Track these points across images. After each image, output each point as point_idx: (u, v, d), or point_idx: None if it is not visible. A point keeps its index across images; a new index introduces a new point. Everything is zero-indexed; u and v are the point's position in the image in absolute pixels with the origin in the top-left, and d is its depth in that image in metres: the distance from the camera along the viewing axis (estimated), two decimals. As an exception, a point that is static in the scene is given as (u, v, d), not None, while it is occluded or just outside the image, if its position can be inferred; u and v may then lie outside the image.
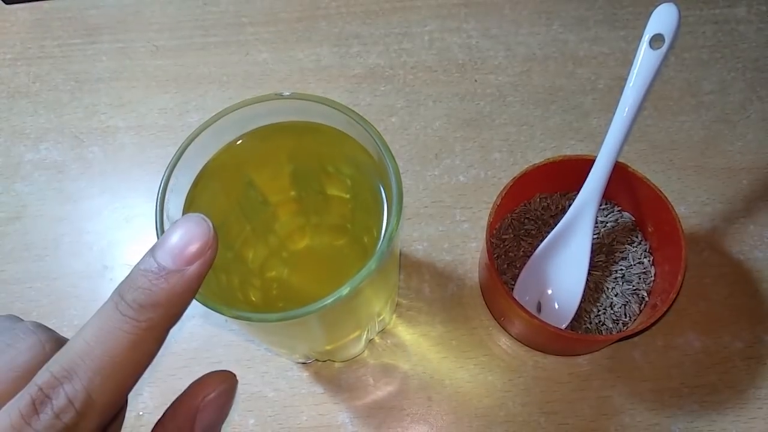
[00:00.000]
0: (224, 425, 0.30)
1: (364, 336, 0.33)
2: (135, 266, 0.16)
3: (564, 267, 0.34)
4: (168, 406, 0.17)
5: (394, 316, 0.37)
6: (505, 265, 0.36)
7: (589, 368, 0.35)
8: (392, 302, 0.35)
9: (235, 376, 0.18)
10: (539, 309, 0.35)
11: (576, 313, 0.34)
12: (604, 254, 0.36)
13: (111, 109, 0.44)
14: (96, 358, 0.15)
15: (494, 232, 0.36)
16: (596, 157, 0.32)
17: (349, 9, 0.47)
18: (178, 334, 0.36)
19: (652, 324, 0.31)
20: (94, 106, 0.44)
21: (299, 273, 0.28)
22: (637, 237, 0.36)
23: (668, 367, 0.35)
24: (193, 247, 0.16)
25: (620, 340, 0.35)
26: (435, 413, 0.34)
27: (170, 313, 0.16)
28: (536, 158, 0.39)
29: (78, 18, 0.48)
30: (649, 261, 0.35)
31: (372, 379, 0.35)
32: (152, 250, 0.16)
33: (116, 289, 0.16)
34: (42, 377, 0.15)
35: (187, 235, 0.16)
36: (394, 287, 0.33)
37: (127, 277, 0.16)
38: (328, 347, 0.31)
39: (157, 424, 0.17)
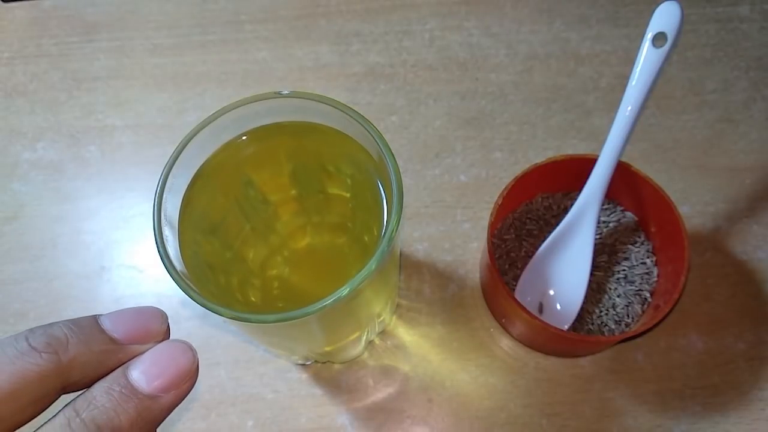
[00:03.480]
0: (223, 427, 0.30)
1: (364, 337, 0.32)
2: (99, 382, 0.14)
3: (566, 267, 0.34)
4: None
5: (395, 317, 0.36)
6: (507, 266, 0.35)
7: (591, 370, 0.35)
8: (392, 303, 0.34)
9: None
10: (541, 310, 0.34)
11: (578, 314, 0.33)
12: (606, 254, 0.35)
13: (108, 107, 0.44)
14: None
15: (495, 232, 0.36)
16: (598, 156, 0.32)
17: (349, 7, 0.47)
18: (175, 334, 0.36)
19: (655, 325, 0.31)
20: (91, 105, 0.44)
21: (300, 272, 0.28)
22: (639, 237, 0.36)
23: (671, 368, 0.35)
24: (175, 374, 0.14)
25: (623, 341, 0.35)
26: (435, 415, 0.34)
27: None
28: (538, 157, 0.39)
29: (75, 16, 0.47)
30: (651, 261, 0.35)
31: (372, 380, 0.35)
32: (126, 368, 0.14)
33: (71, 402, 0.14)
34: None
35: (171, 361, 0.15)
36: (394, 288, 0.33)
37: (88, 390, 0.14)
38: (327, 348, 0.31)
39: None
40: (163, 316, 0.16)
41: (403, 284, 0.37)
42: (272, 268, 0.27)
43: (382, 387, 0.35)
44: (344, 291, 0.21)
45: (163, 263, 0.22)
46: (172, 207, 0.25)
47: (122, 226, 0.40)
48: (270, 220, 0.28)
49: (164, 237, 0.23)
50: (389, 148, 0.24)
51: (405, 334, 0.36)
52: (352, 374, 0.35)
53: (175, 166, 0.24)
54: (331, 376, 0.35)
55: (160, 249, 0.23)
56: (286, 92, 0.25)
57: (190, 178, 0.26)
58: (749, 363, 0.35)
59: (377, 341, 0.36)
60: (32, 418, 0.14)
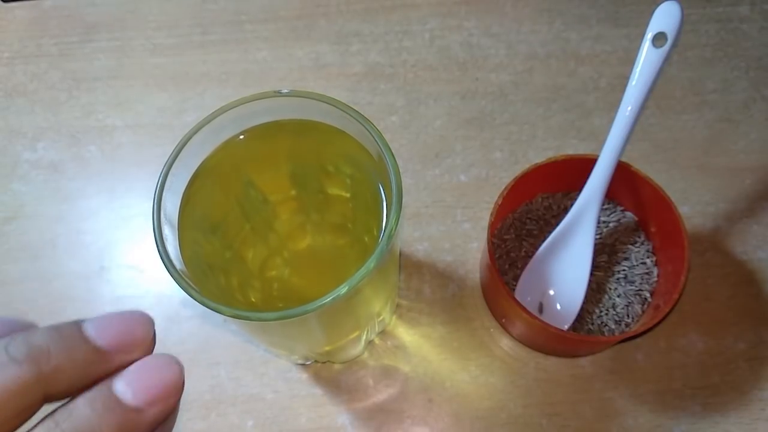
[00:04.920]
0: (223, 427, 0.30)
1: (364, 337, 0.32)
2: (83, 393, 0.14)
3: (566, 267, 0.34)
4: None
5: (394, 317, 0.36)
6: (507, 266, 0.35)
7: (591, 370, 0.35)
8: (392, 303, 0.34)
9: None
10: (541, 310, 0.34)
11: (578, 314, 0.33)
12: (606, 254, 0.35)
13: (108, 107, 0.44)
14: None
15: (495, 232, 0.36)
16: (598, 156, 0.32)
17: (349, 7, 0.47)
18: (175, 334, 0.36)
19: (655, 325, 0.31)
20: (91, 105, 0.44)
21: (300, 272, 0.28)
22: (639, 237, 0.36)
23: (671, 368, 0.35)
24: (161, 388, 0.14)
25: (622, 341, 0.35)
26: (435, 415, 0.34)
27: None
28: (538, 157, 0.39)
29: (75, 16, 0.47)
30: (651, 261, 0.35)
31: (372, 380, 0.35)
32: (111, 380, 0.14)
33: (52, 412, 0.13)
34: None
35: (157, 374, 0.14)
36: (393, 287, 0.33)
37: (70, 401, 0.14)
38: (327, 348, 0.31)
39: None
40: (149, 322, 0.15)
41: (403, 284, 0.37)
42: (272, 268, 0.27)
43: (382, 387, 0.35)
44: (343, 289, 0.21)
45: (163, 263, 0.22)
46: (172, 206, 0.25)
47: (122, 226, 0.40)
48: (269, 220, 0.28)
49: (164, 236, 0.23)
50: (389, 148, 0.24)
51: (405, 334, 0.36)
52: (352, 374, 0.35)
53: (174, 165, 0.24)
54: (331, 376, 0.35)
55: (160, 249, 0.23)
56: (286, 91, 0.25)
57: (189, 178, 0.26)
58: (749, 363, 0.35)
59: (377, 341, 0.36)
60: (15, 431, 0.13)
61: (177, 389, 0.15)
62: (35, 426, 0.13)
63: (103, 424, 0.13)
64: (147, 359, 0.15)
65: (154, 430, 0.14)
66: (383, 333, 0.36)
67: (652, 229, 0.35)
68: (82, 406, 0.13)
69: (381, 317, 0.33)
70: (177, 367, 0.15)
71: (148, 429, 0.14)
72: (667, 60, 0.28)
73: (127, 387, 0.14)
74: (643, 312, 0.34)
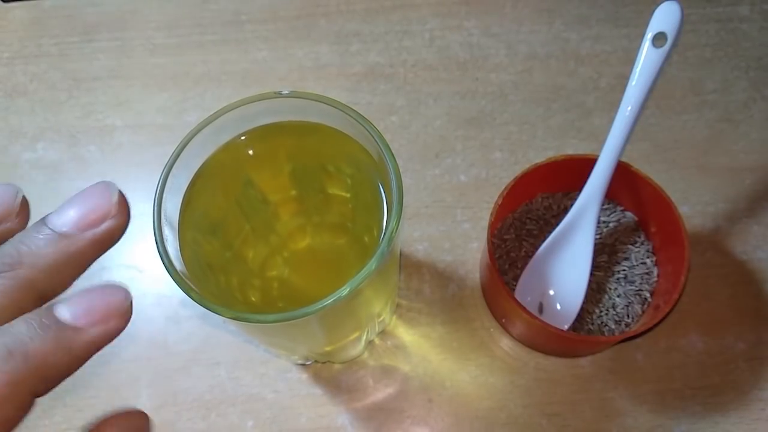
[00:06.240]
0: (223, 427, 0.30)
1: (364, 337, 0.32)
2: (23, 315, 0.14)
3: (566, 267, 0.34)
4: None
5: (395, 317, 0.36)
6: (507, 266, 0.35)
7: (591, 370, 0.35)
8: (392, 303, 0.34)
9: (146, 416, 0.16)
10: (541, 310, 0.34)
11: (578, 314, 0.33)
12: (606, 254, 0.35)
13: (108, 107, 0.44)
14: None
15: (495, 232, 0.36)
16: (598, 156, 0.32)
17: (349, 7, 0.47)
18: (175, 334, 0.36)
19: (655, 325, 0.31)
20: (91, 105, 0.44)
21: (300, 272, 0.28)
22: (639, 237, 0.36)
23: (671, 368, 0.35)
24: (103, 309, 0.14)
25: (622, 341, 0.35)
26: (435, 415, 0.34)
27: (43, 373, 0.13)
28: (538, 157, 0.39)
29: (75, 16, 0.47)
30: (651, 261, 0.35)
31: (372, 380, 0.35)
32: (52, 302, 0.14)
33: None
34: None
35: (100, 296, 0.15)
36: (394, 288, 0.33)
37: (8, 323, 0.14)
38: (327, 348, 0.31)
39: None
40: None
41: (403, 284, 0.37)
42: (272, 268, 0.27)
43: (382, 387, 0.35)
44: (344, 291, 0.21)
45: (163, 263, 0.22)
46: (172, 207, 0.25)
47: (122, 226, 0.40)
48: (270, 220, 0.28)
49: (164, 237, 0.23)
50: (389, 148, 0.24)
51: (405, 334, 0.36)
52: (352, 374, 0.35)
53: (175, 166, 0.24)
54: (331, 376, 0.35)
55: (160, 249, 0.23)
56: (286, 92, 0.25)
57: (190, 178, 0.26)
58: (749, 363, 0.35)
59: (377, 341, 0.36)
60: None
61: (120, 313, 0.15)
62: None
63: (37, 338, 0.13)
64: (92, 286, 0.15)
65: (94, 352, 0.14)
66: (383, 333, 0.36)
67: (652, 229, 0.35)
68: (18, 323, 0.13)
69: (381, 317, 0.33)
70: (122, 292, 0.15)
71: (86, 348, 0.14)
72: (667, 60, 0.28)
73: (66, 307, 0.14)
74: (643, 312, 0.34)
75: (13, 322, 0.13)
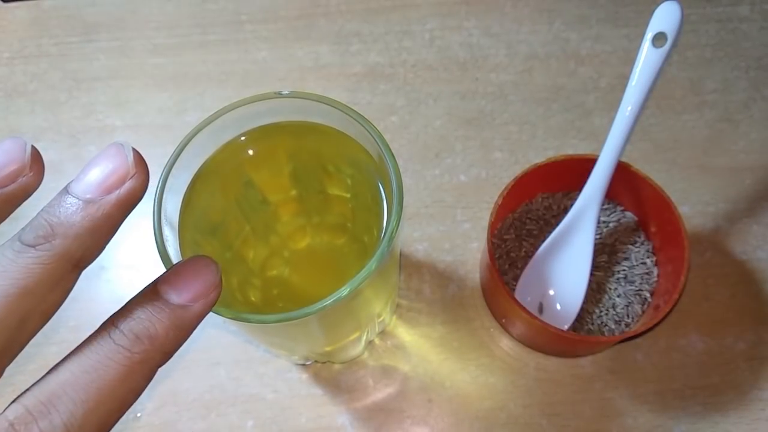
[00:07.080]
0: (223, 427, 0.30)
1: (364, 337, 0.32)
2: (132, 298, 0.16)
3: (566, 268, 0.34)
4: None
5: (395, 317, 0.36)
6: (507, 266, 0.35)
7: (591, 370, 0.35)
8: (392, 303, 0.34)
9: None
10: (541, 310, 0.34)
11: (578, 314, 0.33)
12: (606, 255, 0.35)
13: (108, 108, 0.44)
14: (80, 390, 0.14)
15: (495, 232, 0.36)
16: (598, 156, 0.32)
17: (349, 7, 0.47)
18: (176, 335, 0.36)
19: (655, 325, 0.31)
20: (91, 105, 0.44)
21: (300, 272, 0.28)
22: (639, 237, 0.36)
23: (671, 368, 0.35)
24: (201, 286, 0.16)
25: (623, 341, 0.35)
26: (435, 415, 0.34)
27: (165, 349, 0.15)
28: (538, 157, 0.39)
29: (76, 16, 0.47)
30: (651, 261, 0.35)
31: (372, 380, 0.35)
32: (155, 284, 0.16)
33: (109, 318, 0.15)
34: (14, 411, 0.13)
35: (196, 274, 0.16)
36: (394, 288, 0.33)
37: (123, 307, 0.16)
38: (327, 348, 0.31)
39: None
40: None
41: (403, 284, 0.37)
42: (272, 268, 0.27)
43: (382, 387, 0.35)
44: (344, 291, 0.21)
45: (163, 263, 0.22)
46: (172, 207, 0.25)
47: (122, 227, 0.40)
48: (270, 221, 0.28)
49: (164, 237, 0.23)
50: (389, 148, 0.24)
51: (405, 334, 0.36)
52: (352, 374, 0.35)
53: (175, 166, 0.24)
54: (331, 376, 0.35)
55: (160, 249, 0.23)
56: (286, 92, 0.25)
57: (190, 179, 0.26)
58: (749, 363, 0.35)
59: (377, 341, 0.36)
60: (60, 303, 0.15)
61: (215, 285, 0.16)
62: (97, 330, 0.15)
63: (156, 321, 0.15)
64: (184, 262, 0.17)
65: (200, 322, 0.16)
66: (383, 333, 0.36)
67: (652, 229, 0.35)
68: (136, 310, 0.15)
69: (381, 317, 0.33)
70: (213, 265, 0.17)
71: (196, 321, 0.16)
72: (667, 60, 0.28)
73: (170, 289, 0.16)
74: (643, 312, 0.34)
75: (128, 306, 0.15)
